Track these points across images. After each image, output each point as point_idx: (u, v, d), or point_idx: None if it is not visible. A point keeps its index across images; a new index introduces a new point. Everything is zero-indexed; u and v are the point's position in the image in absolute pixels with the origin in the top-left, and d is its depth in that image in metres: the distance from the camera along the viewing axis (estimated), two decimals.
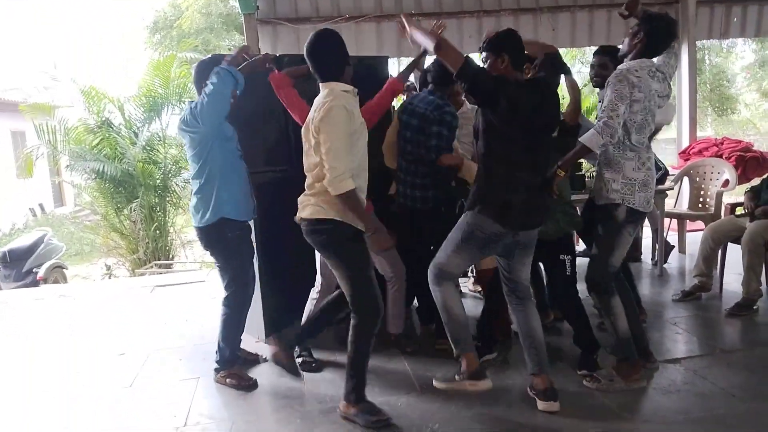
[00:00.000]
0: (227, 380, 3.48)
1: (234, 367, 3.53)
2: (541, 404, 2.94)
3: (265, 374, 3.64)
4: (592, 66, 3.86)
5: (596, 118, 3.81)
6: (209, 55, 3.64)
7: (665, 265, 5.40)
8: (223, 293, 3.51)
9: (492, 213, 2.83)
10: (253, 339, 4.13)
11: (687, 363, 3.45)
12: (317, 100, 2.83)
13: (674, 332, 3.96)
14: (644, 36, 3.01)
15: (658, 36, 3.02)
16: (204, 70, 3.27)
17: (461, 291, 4.74)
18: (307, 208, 2.89)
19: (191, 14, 16.07)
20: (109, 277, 9.89)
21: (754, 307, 4.18)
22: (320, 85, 2.86)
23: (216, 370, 3.53)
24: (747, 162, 6.15)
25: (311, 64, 2.85)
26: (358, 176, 2.79)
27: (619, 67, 3.06)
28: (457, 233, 2.93)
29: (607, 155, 3.10)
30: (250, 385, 3.44)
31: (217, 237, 3.32)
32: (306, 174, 2.94)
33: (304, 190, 2.97)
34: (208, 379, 3.58)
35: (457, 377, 2.99)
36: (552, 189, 2.95)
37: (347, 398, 2.96)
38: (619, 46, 3.21)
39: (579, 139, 3.05)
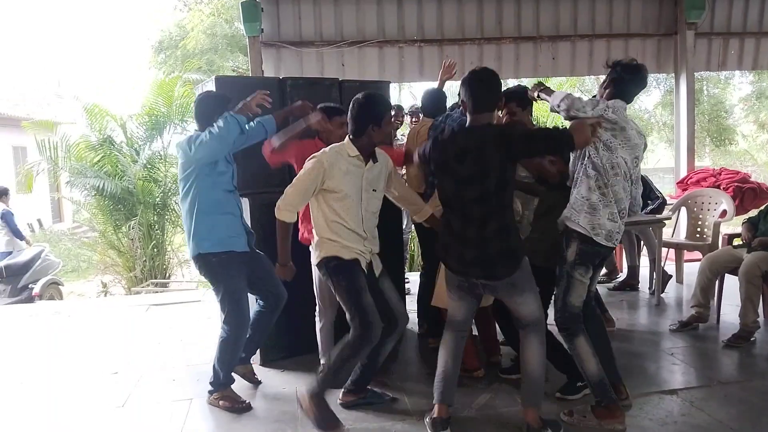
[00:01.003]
0: (220, 402, 3.44)
1: (228, 389, 3.49)
2: None
3: (258, 397, 3.61)
4: None
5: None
6: (211, 90, 3.71)
7: (662, 295, 5.39)
8: (220, 314, 3.49)
9: (442, 258, 2.99)
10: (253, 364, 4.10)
11: (684, 394, 3.42)
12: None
13: (671, 363, 3.94)
14: (611, 84, 3.07)
15: (624, 82, 3.05)
16: (209, 106, 3.34)
17: None
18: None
19: (196, 35, 16.23)
20: (105, 295, 9.85)
21: (752, 339, 4.16)
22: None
23: (210, 392, 3.50)
24: (745, 193, 6.19)
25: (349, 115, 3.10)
26: (338, 234, 3.03)
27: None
28: None
29: (573, 169, 3.11)
30: (243, 408, 3.40)
31: (200, 265, 3.37)
32: None
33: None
34: (201, 401, 3.55)
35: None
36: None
37: (309, 392, 3.03)
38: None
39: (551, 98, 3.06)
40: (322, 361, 3.31)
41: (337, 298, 3.08)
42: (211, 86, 3.92)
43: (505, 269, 2.78)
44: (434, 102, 4.37)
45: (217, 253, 3.28)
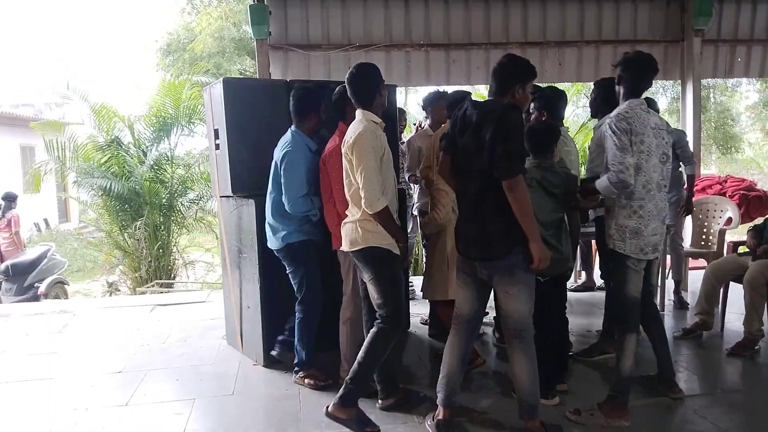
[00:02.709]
0: (305, 381, 3.65)
1: (312, 368, 3.67)
2: None
3: (261, 398, 3.63)
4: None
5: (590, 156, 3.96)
6: (308, 85, 3.88)
7: (667, 302, 5.37)
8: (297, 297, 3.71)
9: (455, 241, 3.04)
10: (251, 362, 4.13)
11: (688, 402, 3.41)
12: (351, 126, 3.10)
13: (675, 370, 3.92)
14: (625, 79, 3.12)
15: (636, 76, 3.11)
16: (304, 102, 3.63)
17: None
18: (347, 238, 3.14)
19: (204, 38, 16.31)
20: (110, 294, 9.88)
21: (756, 347, 4.15)
22: (356, 111, 3.12)
23: (295, 371, 3.70)
24: (750, 201, 6.18)
25: (348, 89, 3.12)
26: (386, 197, 3.01)
27: (609, 116, 3.13)
28: None
29: (606, 201, 3.23)
30: (327, 385, 3.57)
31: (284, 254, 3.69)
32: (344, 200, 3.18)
33: None
34: (203, 401, 3.57)
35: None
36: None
37: (342, 401, 3.01)
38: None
39: (599, 187, 3.11)
40: (343, 362, 3.44)
41: (375, 288, 3.05)
42: (219, 88, 3.95)
43: (500, 248, 2.77)
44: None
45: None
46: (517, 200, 2.67)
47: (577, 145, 11.11)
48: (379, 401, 3.32)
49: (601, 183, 3.06)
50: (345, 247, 3.17)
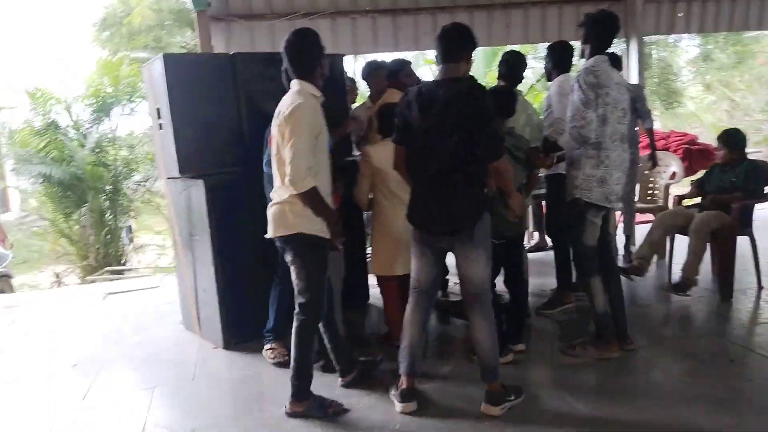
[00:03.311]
0: (269, 354, 3.69)
1: (280, 339, 3.64)
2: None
3: (222, 381, 3.58)
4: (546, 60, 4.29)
5: (544, 117, 4.08)
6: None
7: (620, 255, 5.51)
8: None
9: (408, 217, 3.00)
10: (211, 346, 4.06)
11: (639, 352, 3.51)
12: (285, 98, 2.85)
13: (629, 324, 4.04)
14: (591, 37, 3.30)
15: (600, 35, 3.30)
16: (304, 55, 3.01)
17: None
18: (273, 222, 2.91)
19: (141, 10, 15.59)
20: (59, 285, 9.57)
21: (688, 293, 4.25)
22: (292, 81, 2.89)
23: (265, 337, 3.72)
24: (693, 154, 6.37)
25: (285, 59, 2.88)
26: (317, 176, 2.80)
27: (578, 70, 3.30)
28: None
29: (571, 154, 3.36)
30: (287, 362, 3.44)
31: None
32: (277, 179, 2.90)
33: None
34: (164, 389, 3.49)
35: None
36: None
37: (296, 397, 2.97)
38: (573, 43, 3.40)
39: (558, 140, 3.41)
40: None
41: (301, 274, 2.91)
42: (159, 64, 3.77)
43: (468, 223, 2.81)
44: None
45: None
46: (504, 178, 2.89)
47: None
48: (340, 379, 3.30)
49: (564, 140, 3.27)
50: (271, 231, 2.92)
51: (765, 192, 4.38)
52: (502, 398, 2.93)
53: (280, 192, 2.87)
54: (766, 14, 7.51)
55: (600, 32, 3.29)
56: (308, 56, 2.87)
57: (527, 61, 4.46)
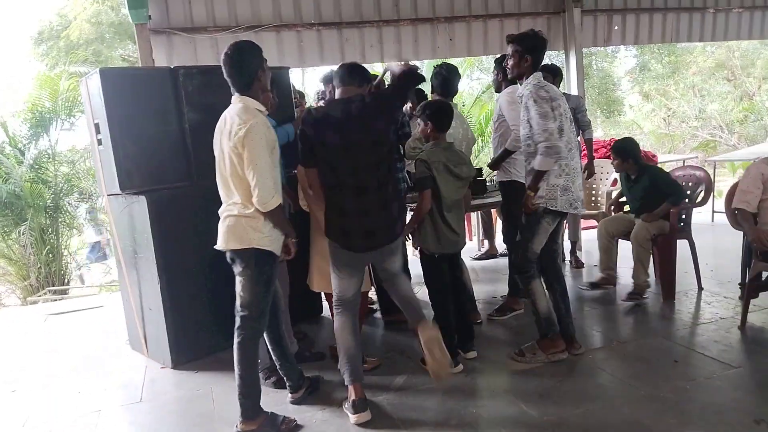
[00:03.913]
0: None
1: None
2: None
3: (171, 402, 3.48)
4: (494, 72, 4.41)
5: (494, 127, 4.22)
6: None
7: (566, 261, 5.67)
8: None
9: (335, 239, 2.99)
10: (158, 365, 3.95)
11: (587, 355, 3.60)
12: (231, 115, 2.77)
13: (576, 325, 4.14)
14: (529, 56, 3.36)
15: (538, 51, 3.40)
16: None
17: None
18: (229, 234, 2.83)
19: (79, 24, 15.15)
20: None
21: (644, 297, 4.46)
22: (234, 96, 2.84)
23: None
24: None
25: (224, 72, 2.81)
26: (279, 193, 2.82)
27: (522, 90, 3.40)
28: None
29: (532, 164, 3.41)
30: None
31: None
32: (226, 192, 2.86)
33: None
34: (110, 412, 3.38)
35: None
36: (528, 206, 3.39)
37: (247, 415, 2.89)
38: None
39: (533, 166, 3.35)
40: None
41: (247, 288, 2.85)
42: (96, 79, 3.68)
43: (401, 228, 3.02)
44: None
45: None
46: None
47: (473, 118, 11.37)
48: (289, 396, 3.25)
49: (538, 161, 3.30)
50: (224, 243, 2.85)
51: (681, 193, 4.56)
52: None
53: (237, 206, 2.80)
54: (695, 27, 7.92)
55: (537, 49, 3.38)
56: (246, 70, 2.80)
57: (461, 74, 4.54)
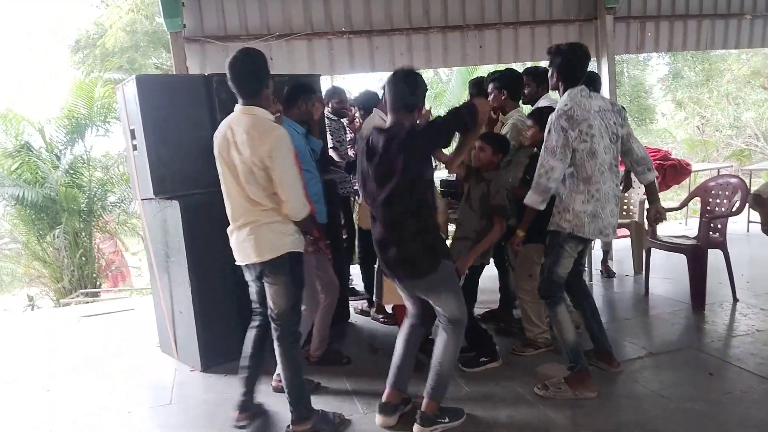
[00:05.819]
0: None
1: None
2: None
3: (201, 404, 3.51)
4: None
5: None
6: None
7: (597, 270, 5.58)
8: None
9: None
10: (188, 368, 3.99)
11: (621, 365, 3.54)
12: (245, 127, 2.74)
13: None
14: (557, 72, 3.14)
15: (570, 65, 3.13)
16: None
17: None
18: (258, 248, 2.82)
19: (115, 32, 15.51)
20: (32, 309, 9.36)
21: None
22: (241, 105, 2.82)
23: None
24: (666, 170, 6.46)
25: (231, 80, 2.79)
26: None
27: (555, 110, 3.15)
28: None
29: (558, 190, 3.19)
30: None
31: None
32: (244, 204, 2.83)
33: None
34: (140, 414, 3.42)
35: None
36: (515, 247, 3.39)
37: (301, 416, 2.91)
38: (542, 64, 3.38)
39: (524, 202, 3.19)
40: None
41: (283, 294, 2.88)
42: (132, 86, 3.75)
43: (425, 268, 2.76)
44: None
45: None
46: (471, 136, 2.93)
47: None
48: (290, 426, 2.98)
49: (528, 198, 3.17)
50: (257, 256, 2.81)
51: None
52: (435, 420, 2.91)
53: (267, 214, 2.79)
54: (731, 33, 7.76)
55: (570, 64, 3.12)
56: (257, 75, 2.78)
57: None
